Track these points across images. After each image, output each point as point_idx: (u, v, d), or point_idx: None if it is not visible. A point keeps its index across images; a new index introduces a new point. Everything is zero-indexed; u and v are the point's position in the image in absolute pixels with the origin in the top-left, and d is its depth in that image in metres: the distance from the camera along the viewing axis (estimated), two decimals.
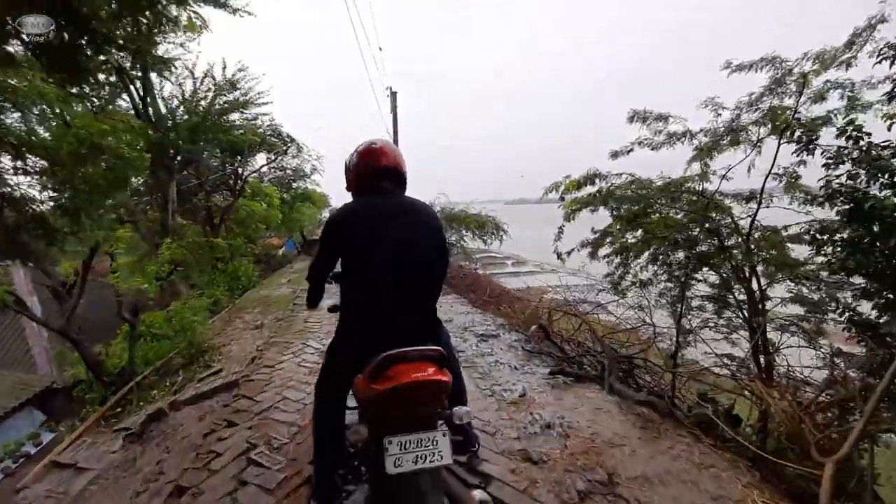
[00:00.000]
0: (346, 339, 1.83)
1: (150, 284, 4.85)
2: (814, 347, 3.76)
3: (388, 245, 1.69)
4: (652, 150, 4.38)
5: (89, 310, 5.25)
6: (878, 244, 2.78)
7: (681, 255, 4.44)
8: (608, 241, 5.07)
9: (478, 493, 1.51)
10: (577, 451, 2.42)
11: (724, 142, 4.03)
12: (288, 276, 10.84)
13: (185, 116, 8.69)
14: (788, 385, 3.44)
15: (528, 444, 2.50)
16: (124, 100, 7.47)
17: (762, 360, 3.85)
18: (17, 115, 3.24)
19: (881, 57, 2.75)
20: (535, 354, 4.19)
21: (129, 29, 4.31)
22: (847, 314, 3.19)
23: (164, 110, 8.50)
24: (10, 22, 3.19)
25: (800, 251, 4.07)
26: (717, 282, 4.50)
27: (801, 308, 3.98)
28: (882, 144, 2.78)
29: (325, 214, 16.62)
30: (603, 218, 4.95)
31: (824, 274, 3.71)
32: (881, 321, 2.89)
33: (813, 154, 3.17)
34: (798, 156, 3.31)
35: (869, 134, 2.82)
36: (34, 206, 3.73)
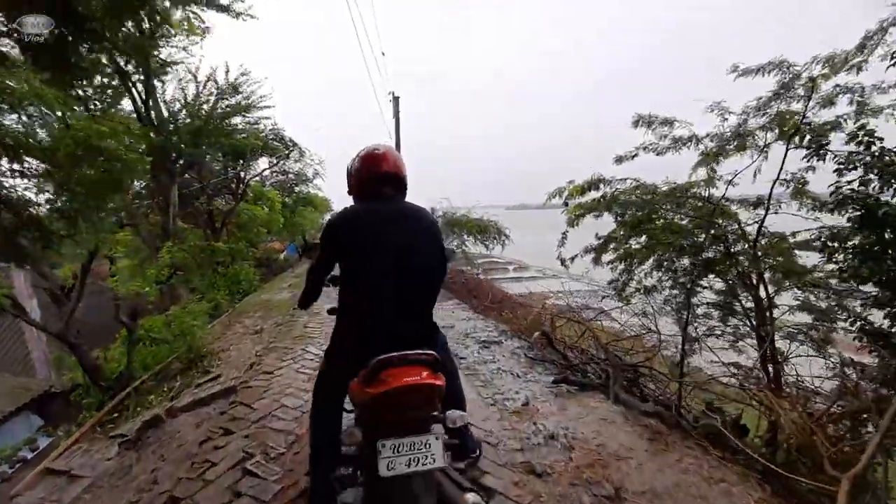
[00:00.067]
0: (346, 344, 1.81)
1: (149, 288, 4.80)
2: (823, 357, 3.67)
3: (390, 251, 1.69)
4: (657, 155, 4.33)
5: (89, 313, 5.21)
6: (890, 251, 2.72)
7: (686, 261, 4.36)
8: (612, 246, 5.00)
9: (471, 497, 1.52)
10: (583, 463, 2.35)
11: (731, 147, 3.97)
12: (289, 281, 10.81)
13: (188, 120, 8.67)
14: (798, 395, 3.36)
15: (531, 455, 2.43)
16: (127, 103, 7.49)
17: (771, 369, 3.77)
18: (13, 116, 3.21)
19: (894, 60, 2.70)
20: (537, 362, 4.13)
21: (128, 29, 4.29)
22: (859, 323, 3.11)
23: (166, 114, 8.51)
24: (4, 20, 3.16)
25: (807, 259, 4.00)
26: (724, 289, 4.43)
27: (809, 316, 3.90)
28: (895, 150, 2.73)
29: (327, 218, 16.55)
30: (607, 224, 4.89)
31: (833, 282, 3.64)
32: (894, 330, 2.82)
33: (824, 159, 3.11)
34: (808, 161, 3.25)
35: (881, 139, 2.76)
36: (31, 209, 3.69)
